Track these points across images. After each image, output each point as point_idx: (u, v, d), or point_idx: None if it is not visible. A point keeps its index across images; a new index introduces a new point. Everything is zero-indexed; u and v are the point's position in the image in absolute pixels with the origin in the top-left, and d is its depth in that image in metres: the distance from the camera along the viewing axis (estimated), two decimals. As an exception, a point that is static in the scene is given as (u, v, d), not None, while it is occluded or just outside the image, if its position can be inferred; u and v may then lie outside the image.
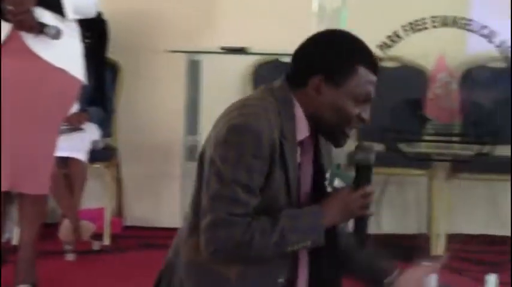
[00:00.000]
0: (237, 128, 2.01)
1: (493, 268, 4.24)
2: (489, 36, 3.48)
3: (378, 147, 4.00)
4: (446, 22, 3.50)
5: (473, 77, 4.90)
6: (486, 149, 3.70)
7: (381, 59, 3.57)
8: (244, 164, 1.99)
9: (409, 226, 5.20)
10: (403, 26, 3.51)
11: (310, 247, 2.06)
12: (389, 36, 3.53)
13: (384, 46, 3.54)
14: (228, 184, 1.99)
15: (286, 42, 4.60)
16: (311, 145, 2.15)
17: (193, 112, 4.51)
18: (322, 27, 4.07)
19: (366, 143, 2.13)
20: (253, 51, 4.61)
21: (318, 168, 2.18)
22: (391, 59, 4.64)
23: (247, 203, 2.00)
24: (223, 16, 5.06)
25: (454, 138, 3.75)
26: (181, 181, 4.37)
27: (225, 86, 5.06)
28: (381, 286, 2.24)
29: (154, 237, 4.76)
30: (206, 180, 2.05)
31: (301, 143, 2.11)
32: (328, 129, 2.10)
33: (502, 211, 5.23)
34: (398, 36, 3.52)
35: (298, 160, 2.11)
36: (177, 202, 4.39)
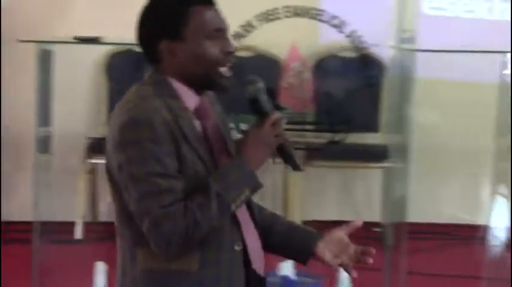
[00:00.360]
0: (125, 124, 1.96)
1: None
2: (340, 26, 3.55)
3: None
4: (298, 12, 3.55)
5: (325, 66, 5.00)
6: (338, 137, 3.77)
7: (235, 49, 3.57)
8: (148, 153, 1.94)
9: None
10: (256, 16, 3.53)
11: (250, 194, 2.01)
12: (242, 26, 3.54)
13: (237, 36, 3.55)
14: (144, 179, 1.94)
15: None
16: (209, 107, 2.11)
17: (44, 103, 4.39)
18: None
19: (248, 77, 2.09)
20: (106, 41, 4.54)
21: (223, 123, 2.15)
22: (245, 48, 4.68)
23: (172, 189, 1.94)
24: (76, 5, 4.96)
25: (308, 127, 3.81)
26: (33, 173, 4.25)
27: (78, 77, 4.97)
28: (302, 257, 2.19)
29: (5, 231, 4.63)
30: (123, 188, 1.99)
31: (198, 111, 2.06)
32: (205, 80, 2.05)
33: (353, 197, 5.38)
34: (251, 25, 3.54)
35: (199, 128, 2.05)
36: (29, 194, 4.27)
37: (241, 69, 4.31)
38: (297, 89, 3.76)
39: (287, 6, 3.55)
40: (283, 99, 3.74)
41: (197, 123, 2.06)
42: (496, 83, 4.10)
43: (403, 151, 3.97)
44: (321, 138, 3.80)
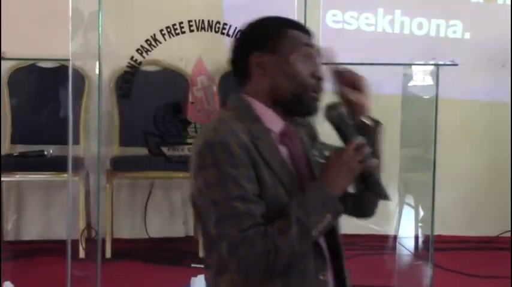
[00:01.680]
0: (201, 149, 1.94)
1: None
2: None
3: (142, 151, 3.99)
4: (203, 26, 3.55)
5: (231, 80, 5.01)
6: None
7: (140, 64, 3.56)
8: (228, 177, 1.90)
9: (176, 229, 5.24)
10: (160, 30, 3.52)
11: (332, 220, 1.96)
12: (147, 40, 3.52)
13: (142, 50, 3.53)
14: (223, 203, 1.91)
15: (43, 47, 4.51)
16: (295, 133, 2.10)
17: None
18: (78, 32, 4.02)
19: (332, 102, 2.08)
20: (9, 56, 4.45)
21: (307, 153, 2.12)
22: (151, 63, 4.66)
23: (251, 213, 1.90)
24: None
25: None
26: None
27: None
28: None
29: None
30: (203, 213, 1.97)
31: (283, 136, 2.05)
32: (292, 100, 2.03)
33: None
34: (156, 40, 3.53)
35: (285, 154, 2.04)
36: None
37: (148, 84, 4.30)
38: (204, 103, 3.76)
39: (192, 21, 3.54)
40: (190, 114, 3.73)
41: (282, 148, 2.05)
42: (399, 95, 4.18)
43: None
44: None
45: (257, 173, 1.94)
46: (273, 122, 2.05)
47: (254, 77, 2.05)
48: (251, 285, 1.95)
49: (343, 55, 4.62)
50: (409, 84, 4.16)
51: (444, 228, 4.79)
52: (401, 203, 4.28)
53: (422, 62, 4.14)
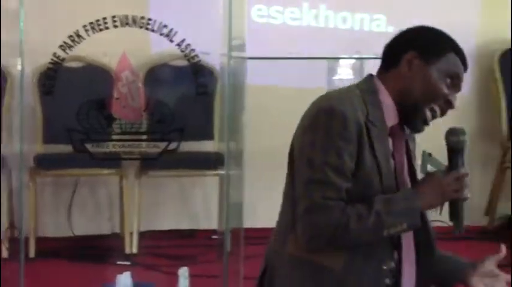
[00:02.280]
0: (322, 110, 2.00)
1: (184, 261, 4.36)
2: (169, 35, 3.55)
3: (66, 148, 3.93)
4: (128, 21, 3.51)
5: (157, 75, 4.99)
6: (172, 145, 3.77)
7: (63, 60, 3.50)
8: (333, 145, 1.96)
9: (102, 226, 5.19)
10: (84, 26, 3.47)
11: (406, 230, 2.02)
12: (70, 36, 3.47)
13: (65, 46, 3.47)
14: (319, 167, 1.96)
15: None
16: (401, 135, 2.15)
17: None
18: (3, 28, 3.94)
19: (457, 127, 2.14)
20: None
21: (409, 157, 2.18)
22: (74, 59, 4.59)
23: (340, 187, 1.96)
24: None
25: (141, 137, 3.79)
26: None
27: None
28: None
29: None
30: (297, 168, 2.02)
31: (391, 131, 2.10)
32: (412, 107, 2.08)
33: (190, 205, 5.39)
34: (79, 36, 3.47)
35: (391, 148, 2.10)
36: None
37: (72, 80, 4.23)
38: (129, 99, 3.72)
39: (115, 16, 3.50)
40: (115, 110, 3.69)
41: (389, 140, 2.09)
42: (324, 89, 4.20)
43: (237, 158, 4.01)
44: (155, 147, 3.78)
45: (359, 152, 1.99)
46: (390, 114, 2.10)
47: (397, 70, 2.11)
48: (312, 254, 2.01)
49: (269, 49, 4.66)
50: (334, 78, 4.19)
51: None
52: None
53: (346, 56, 4.17)
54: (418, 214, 2.02)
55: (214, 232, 5.04)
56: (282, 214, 2.15)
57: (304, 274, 2.05)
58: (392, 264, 2.08)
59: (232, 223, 3.90)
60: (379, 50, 4.13)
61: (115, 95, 3.76)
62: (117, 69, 3.80)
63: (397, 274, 2.09)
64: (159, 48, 4.71)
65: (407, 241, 2.12)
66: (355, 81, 2.19)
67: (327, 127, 1.98)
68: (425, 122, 2.12)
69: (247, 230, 3.92)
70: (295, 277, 2.07)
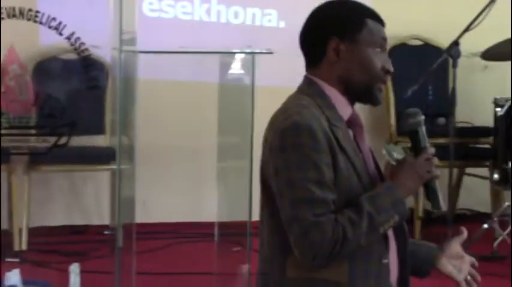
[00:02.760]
0: (287, 129, 1.97)
1: (76, 257, 4.31)
2: (58, 28, 3.48)
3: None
4: (15, 13, 3.43)
5: (46, 68, 4.90)
6: (63, 140, 3.71)
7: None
8: (309, 161, 1.94)
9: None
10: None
11: (398, 221, 2.01)
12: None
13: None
14: (301, 185, 1.93)
15: None
16: (359, 121, 2.13)
17: None
18: None
19: (412, 109, 2.13)
20: None
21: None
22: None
23: (327, 200, 1.94)
24: None
25: (30, 131, 3.71)
26: None
27: None
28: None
29: None
30: (278, 193, 1.98)
31: (349, 123, 2.09)
32: (363, 89, 2.08)
33: (82, 200, 5.32)
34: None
35: (352, 138, 2.08)
36: None
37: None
38: (17, 93, 3.65)
39: (2, 8, 3.42)
40: (2, 104, 3.61)
41: (352, 135, 2.09)
42: (216, 83, 4.21)
43: (129, 152, 3.98)
44: (45, 142, 3.72)
45: (334, 160, 1.98)
46: (343, 109, 2.09)
47: (327, 61, 2.09)
48: (314, 272, 1.99)
49: (161, 44, 4.64)
50: (226, 73, 4.20)
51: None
52: (219, 191, 4.32)
53: (238, 50, 4.19)
54: (404, 203, 2.03)
55: (106, 227, 4.99)
56: (267, 243, 2.10)
57: None
58: (388, 256, 2.10)
59: (124, 218, 3.87)
60: (270, 45, 4.19)
61: (2, 89, 3.67)
62: (4, 62, 3.72)
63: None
64: (48, 41, 4.62)
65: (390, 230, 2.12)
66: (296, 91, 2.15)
67: (297, 144, 1.96)
68: (380, 93, 2.12)
69: (139, 225, 3.90)
70: None
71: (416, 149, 2.11)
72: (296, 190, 1.95)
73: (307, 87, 2.11)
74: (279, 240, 2.04)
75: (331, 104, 2.07)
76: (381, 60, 2.09)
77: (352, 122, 2.12)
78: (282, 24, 5.52)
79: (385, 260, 2.07)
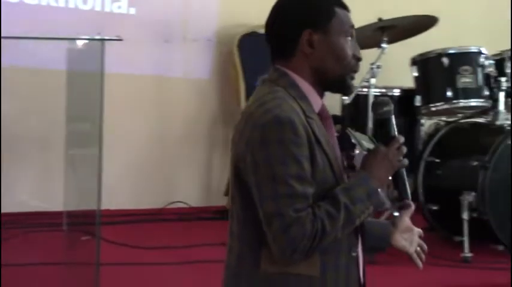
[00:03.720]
0: (268, 123, 1.95)
1: None
2: None
3: None
4: None
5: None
6: None
7: None
8: (290, 155, 1.94)
9: None
10: None
11: (373, 211, 2.04)
12: None
13: None
14: (282, 181, 1.93)
15: None
16: (328, 113, 2.14)
17: None
18: None
19: (380, 98, 2.16)
20: None
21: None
22: None
23: (306, 195, 1.95)
24: None
25: None
26: None
27: None
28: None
29: None
30: (256, 188, 1.96)
31: (320, 114, 2.09)
32: (336, 79, 2.09)
33: None
34: None
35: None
36: None
37: None
38: None
39: None
40: None
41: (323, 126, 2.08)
42: (64, 70, 4.13)
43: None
44: None
45: (311, 152, 1.98)
46: (315, 101, 2.09)
47: (301, 53, 2.08)
48: (290, 263, 1.99)
49: (6, 28, 4.50)
50: (74, 59, 4.12)
51: (111, 202, 4.83)
52: (67, 179, 4.25)
53: (87, 37, 4.12)
54: (379, 193, 2.04)
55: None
56: (237, 236, 2.08)
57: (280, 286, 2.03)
58: (356, 249, 2.11)
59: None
60: (120, 32, 4.15)
61: None
62: None
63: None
64: None
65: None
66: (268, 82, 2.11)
67: (279, 138, 1.95)
68: (352, 82, 2.14)
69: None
70: None
71: (387, 137, 2.12)
72: (277, 185, 1.94)
73: (279, 78, 2.09)
74: (252, 233, 2.03)
75: (303, 95, 2.07)
76: (351, 48, 2.11)
77: (322, 114, 2.12)
78: (132, 11, 5.46)
79: (354, 253, 2.09)
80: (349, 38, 2.10)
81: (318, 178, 1.99)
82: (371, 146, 2.16)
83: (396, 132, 2.13)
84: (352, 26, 2.13)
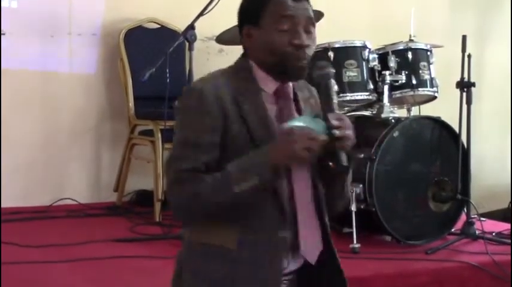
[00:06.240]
0: (183, 93, 2.15)
1: None
2: None
3: None
4: None
5: None
6: None
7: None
8: (190, 122, 2.10)
9: None
10: None
11: (260, 186, 2.04)
12: None
13: None
14: (176, 145, 2.11)
15: None
16: (288, 96, 2.22)
17: None
18: None
19: (320, 62, 2.20)
20: None
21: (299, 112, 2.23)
22: None
23: (195, 158, 2.06)
24: None
25: None
26: None
27: None
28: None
29: None
30: None
31: (276, 95, 2.19)
32: (277, 69, 2.17)
33: None
34: None
35: (274, 112, 2.17)
36: None
37: None
38: None
39: None
40: None
41: (272, 107, 2.17)
42: None
43: None
44: None
45: (226, 124, 2.09)
46: (266, 83, 2.19)
47: (246, 45, 2.24)
48: (182, 221, 2.20)
49: None
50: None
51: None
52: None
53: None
54: (265, 166, 2.04)
55: None
56: None
57: (201, 256, 2.14)
58: (289, 231, 2.14)
59: None
60: (3, 26, 4.04)
61: None
62: None
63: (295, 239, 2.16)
64: None
65: (301, 205, 2.17)
66: None
67: (185, 106, 2.14)
68: (300, 68, 2.17)
69: None
70: (193, 261, 2.16)
71: (327, 102, 2.18)
72: (174, 148, 2.14)
73: (237, 62, 2.26)
74: None
75: (251, 78, 2.20)
76: (287, 37, 2.16)
77: (279, 94, 2.21)
78: (15, 5, 5.33)
79: (283, 234, 2.13)
80: (285, 27, 2.18)
81: (234, 151, 2.10)
82: (299, 124, 2.09)
83: (332, 99, 2.19)
84: (287, 15, 2.17)
